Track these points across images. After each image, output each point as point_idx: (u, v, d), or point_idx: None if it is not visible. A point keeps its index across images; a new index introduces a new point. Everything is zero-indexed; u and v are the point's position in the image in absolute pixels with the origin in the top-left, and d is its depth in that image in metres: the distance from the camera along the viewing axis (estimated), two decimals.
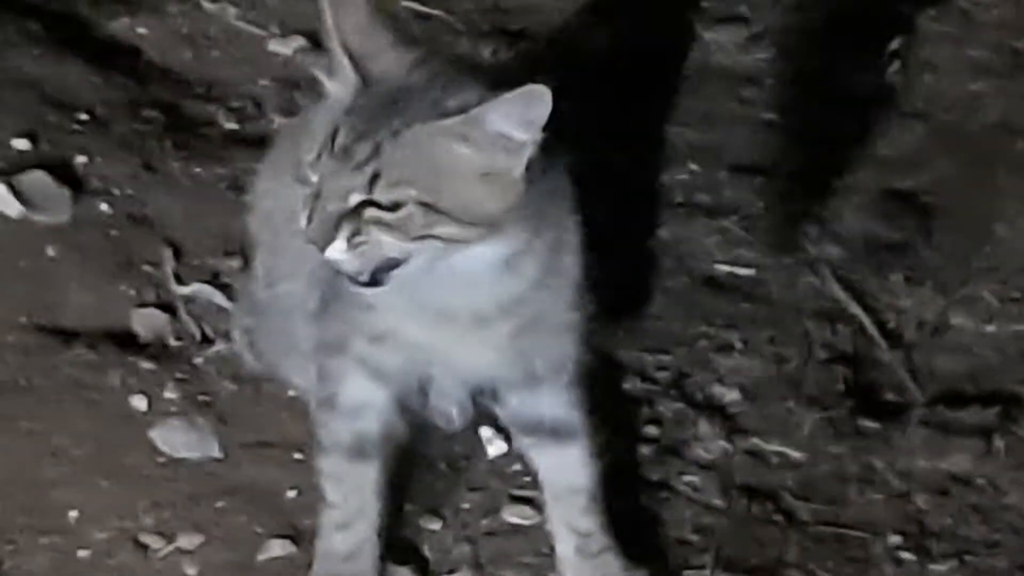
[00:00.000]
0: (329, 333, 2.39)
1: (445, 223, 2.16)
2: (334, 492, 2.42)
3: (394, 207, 2.15)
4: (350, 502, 2.42)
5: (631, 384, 2.74)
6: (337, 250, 2.16)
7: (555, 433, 2.43)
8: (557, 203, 2.27)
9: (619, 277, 2.68)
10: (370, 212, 2.16)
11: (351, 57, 2.18)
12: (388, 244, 2.16)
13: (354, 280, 2.19)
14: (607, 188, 2.87)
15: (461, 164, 2.14)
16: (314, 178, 2.17)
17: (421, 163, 2.14)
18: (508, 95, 2.11)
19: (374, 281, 2.19)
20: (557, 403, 2.42)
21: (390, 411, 2.40)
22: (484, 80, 2.18)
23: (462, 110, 2.13)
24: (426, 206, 2.15)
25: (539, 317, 2.31)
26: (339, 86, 2.20)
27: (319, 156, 2.16)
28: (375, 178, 2.14)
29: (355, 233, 2.16)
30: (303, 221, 2.17)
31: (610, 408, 2.54)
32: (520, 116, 2.12)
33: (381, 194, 2.14)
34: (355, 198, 2.15)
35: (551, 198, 2.25)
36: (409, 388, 2.39)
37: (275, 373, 2.63)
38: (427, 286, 2.25)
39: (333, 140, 2.15)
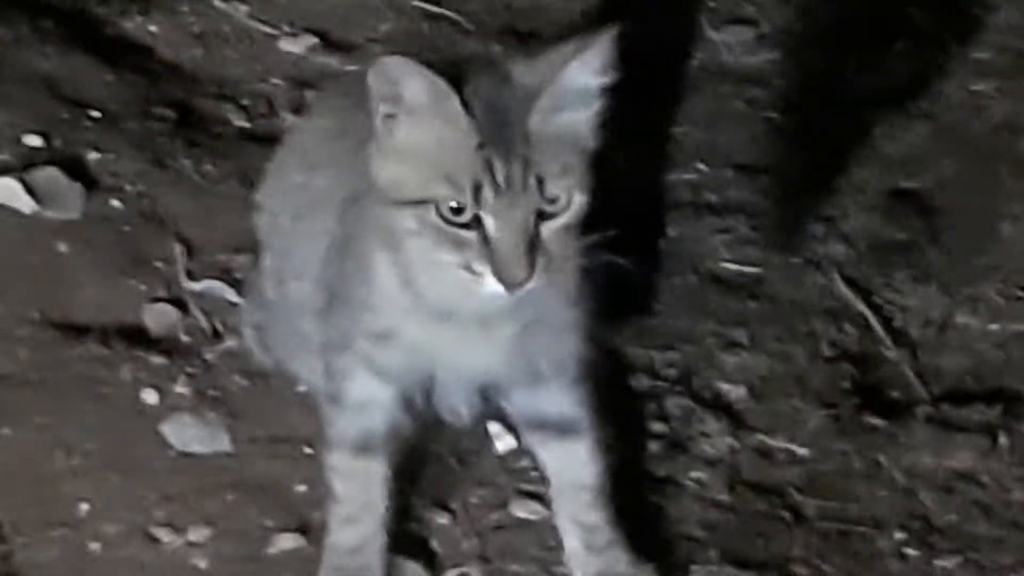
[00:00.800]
0: (334, 331, 2.40)
1: (587, 196, 2.21)
2: (341, 487, 2.44)
3: (565, 207, 2.19)
4: (357, 497, 2.44)
5: (638, 381, 2.75)
6: (536, 283, 2.19)
7: (560, 429, 2.45)
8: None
9: (626, 275, 2.69)
10: (548, 226, 2.19)
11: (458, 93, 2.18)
12: (569, 249, 2.21)
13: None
14: (614, 187, 2.88)
15: (575, 131, 2.20)
16: (464, 223, 2.18)
17: (560, 148, 2.18)
18: (583, 50, 2.18)
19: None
20: (562, 400, 2.43)
21: (396, 408, 2.42)
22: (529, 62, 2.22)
23: (543, 84, 2.18)
24: (583, 189, 2.20)
25: (542, 316, 2.33)
26: (426, 127, 2.20)
27: (477, 199, 2.17)
28: (541, 184, 2.18)
29: (549, 260, 2.19)
30: (475, 271, 2.19)
31: (617, 404, 2.55)
32: (598, 65, 2.19)
33: (552, 192, 2.17)
34: (535, 211, 2.17)
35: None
36: (414, 386, 2.41)
37: (285, 369, 2.64)
38: (431, 287, 2.27)
39: (493, 178, 2.16)
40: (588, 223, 2.25)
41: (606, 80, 2.21)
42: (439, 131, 2.19)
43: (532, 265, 2.18)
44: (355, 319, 2.36)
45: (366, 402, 2.41)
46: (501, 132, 2.17)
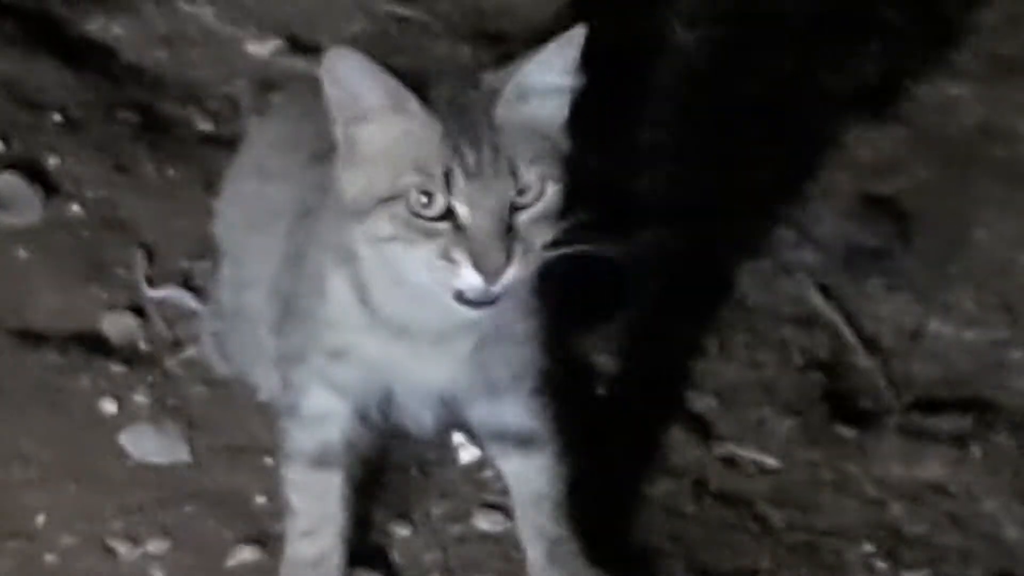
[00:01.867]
0: (289, 345, 2.38)
1: (562, 189, 2.19)
2: (299, 500, 2.42)
3: (538, 197, 2.16)
4: (315, 510, 2.42)
5: (604, 389, 2.73)
6: (514, 273, 2.15)
7: (520, 441, 2.43)
8: None
9: (593, 281, 2.65)
10: (523, 217, 2.16)
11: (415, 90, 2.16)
12: (545, 240, 2.17)
13: (476, 303, 2.17)
14: (582, 190, 2.87)
15: (547, 121, 2.19)
16: (436, 216, 2.15)
17: (528, 136, 2.16)
18: (549, 46, 2.17)
19: (492, 300, 2.18)
20: (520, 412, 2.41)
21: (353, 421, 2.40)
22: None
23: (508, 78, 2.17)
24: (556, 180, 2.17)
25: (500, 329, 2.30)
26: (389, 127, 2.17)
27: (449, 184, 2.14)
28: (513, 169, 2.15)
29: (526, 250, 2.16)
30: (453, 261, 2.15)
31: (581, 414, 2.52)
32: (560, 62, 2.18)
33: (525, 177, 2.14)
34: (509, 198, 2.15)
35: None
36: (371, 399, 2.38)
37: (244, 378, 2.62)
38: (390, 302, 2.25)
39: (463, 163, 2.14)
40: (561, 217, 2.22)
41: (572, 79, 2.19)
42: (402, 128, 2.16)
43: (509, 253, 2.15)
44: (310, 335, 2.34)
45: (322, 416, 2.39)
46: (466, 122, 2.16)
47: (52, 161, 2.93)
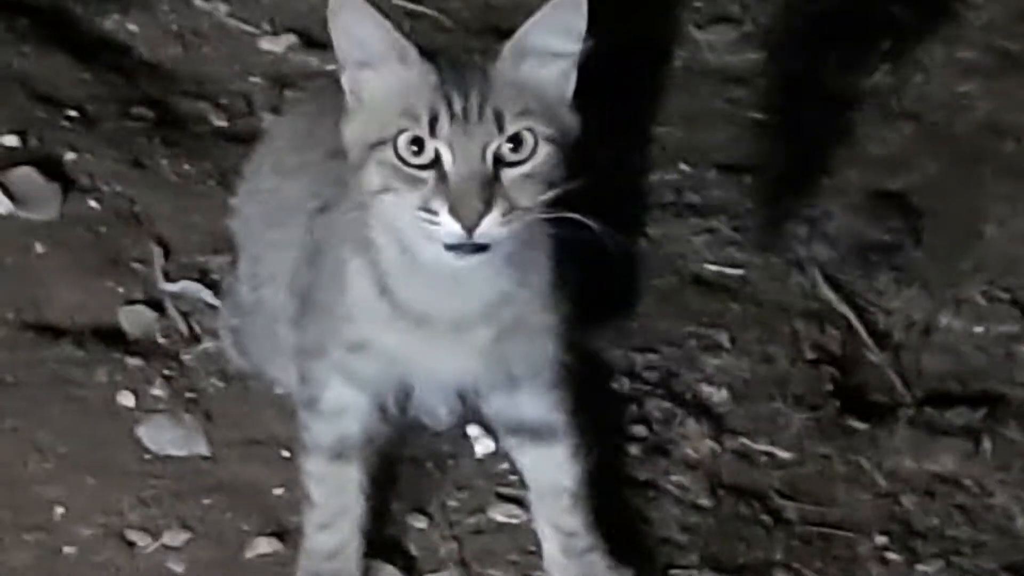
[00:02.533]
0: (308, 339, 2.39)
1: (561, 159, 2.18)
2: (317, 492, 2.43)
3: (529, 156, 2.16)
4: (332, 502, 2.43)
5: (619, 383, 2.73)
6: (492, 222, 2.15)
7: (537, 434, 2.44)
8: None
9: (606, 277, 2.70)
10: (511, 172, 2.16)
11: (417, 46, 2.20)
12: (531, 202, 2.16)
13: (461, 250, 2.17)
14: (595, 186, 2.87)
15: (544, 85, 2.19)
16: (422, 164, 2.16)
17: (521, 94, 2.17)
18: (544, 8, 2.18)
19: (483, 247, 2.18)
20: (538, 404, 2.42)
21: (371, 414, 2.41)
22: None
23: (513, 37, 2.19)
24: (549, 140, 2.17)
25: (519, 320, 2.31)
26: (391, 74, 2.20)
27: (433, 128, 2.15)
28: (499, 117, 2.16)
29: (508, 209, 2.15)
30: (432, 210, 2.15)
31: (596, 408, 2.53)
32: (560, 26, 2.18)
33: (511, 127, 2.14)
34: (491, 148, 2.15)
35: None
36: (390, 392, 2.40)
37: (261, 372, 2.63)
38: (408, 291, 2.25)
39: (450, 107, 2.15)
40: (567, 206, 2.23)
41: (573, 45, 2.20)
42: (399, 76, 2.19)
43: (488, 203, 2.15)
44: (330, 328, 2.35)
45: (341, 409, 2.40)
46: (460, 73, 2.18)
47: (69, 156, 2.94)
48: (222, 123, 3.07)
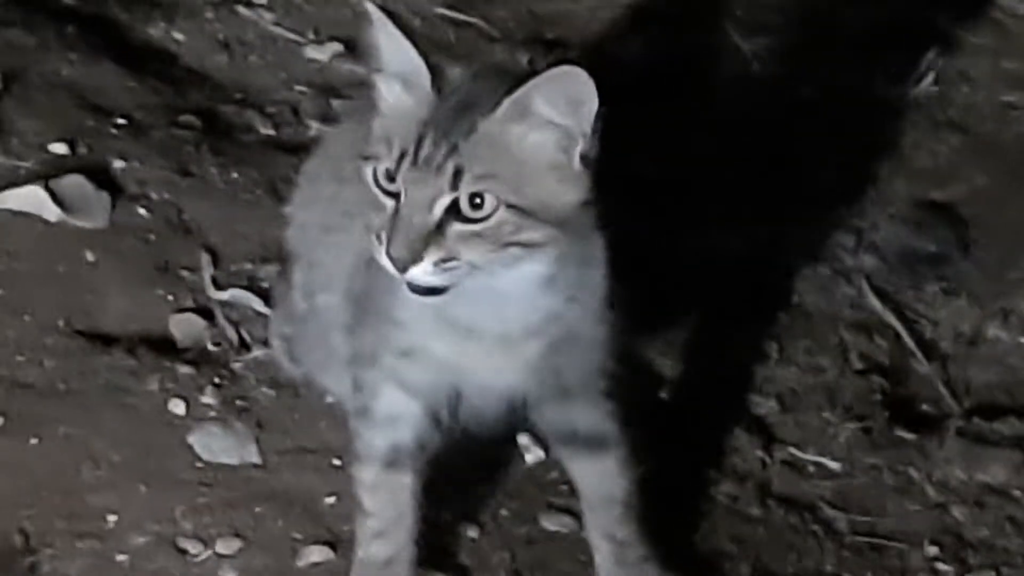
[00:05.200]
0: (362, 346, 2.39)
1: (529, 225, 2.16)
2: (370, 501, 2.42)
3: (484, 217, 2.15)
4: (386, 511, 2.42)
5: (668, 394, 2.73)
6: (422, 271, 2.15)
7: (589, 444, 2.43)
8: (582, 216, 2.24)
9: (655, 288, 2.69)
10: (458, 228, 2.15)
11: (429, 67, 2.18)
12: (478, 258, 2.16)
13: (415, 289, 2.18)
14: (640, 198, 2.87)
15: (530, 153, 2.16)
16: (390, 192, 2.16)
17: (497, 156, 2.15)
18: (545, 74, 2.13)
19: (435, 291, 2.19)
20: (590, 415, 2.42)
21: (424, 422, 2.40)
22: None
23: (509, 96, 2.15)
24: (512, 208, 2.15)
25: (569, 335, 2.31)
26: (397, 97, 2.20)
27: (398, 166, 2.16)
28: (458, 175, 2.14)
29: (445, 258, 2.15)
30: (379, 240, 2.16)
31: (647, 418, 2.52)
32: (561, 97, 2.13)
33: (466, 188, 2.13)
34: (441, 202, 2.14)
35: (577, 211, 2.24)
36: (441, 400, 2.39)
37: (313, 381, 2.63)
38: (456, 304, 2.25)
39: (417, 151, 2.15)
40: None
41: (574, 117, 2.15)
42: (403, 98, 2.19)
43: (419, 253, 2.15)
44: (382, 334, 2.35)
45: (394, 417, 2.39)
46: (451, 117, 2.16)
47: (117, 165, 2.94)
48: (269, 131, 3.07)
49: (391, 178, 2.18)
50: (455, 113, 2.16)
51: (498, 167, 2.15)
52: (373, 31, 2.19)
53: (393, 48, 2.19)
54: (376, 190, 2.19)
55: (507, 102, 2.15)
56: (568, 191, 2.18)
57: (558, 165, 2.17)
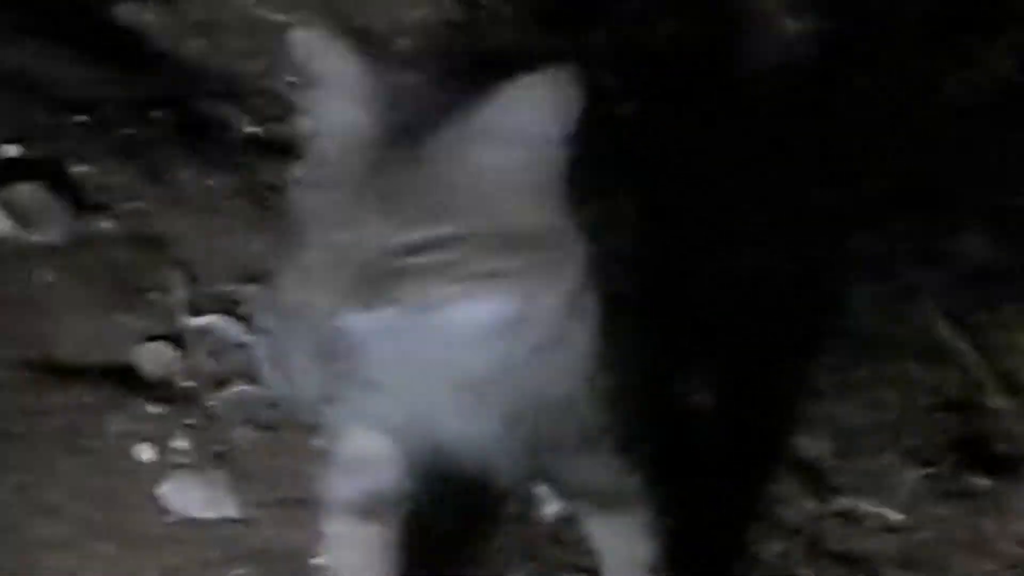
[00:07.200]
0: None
1: (496, 255, 1.94)
2: (335, 556, 2.21)
3: (439, 246, 1.93)
4: (353, 565, 2.21)
5: (704, 435, 2.54)
6: (372, 318, 1.95)
7: (604, 502, 2.21)
8: (567, 254, 2.00)
9: (683, 316, 2.47)
10: (414, 262, 1.94)
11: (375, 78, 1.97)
12: (435, 295, 1.94)
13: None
14: (663, 209, 2.67)
15: (490, 173, 1.94)
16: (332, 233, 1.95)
17: (456, 183, 1.93)
18: (516, 84, 1.91)
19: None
20: (600, 471, 2.18)
21: (399, 465, 2.18)
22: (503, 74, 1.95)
23: (472, 110, 1.93)
24: (473, 237, 1.93)
25: (545, 389, 2.07)
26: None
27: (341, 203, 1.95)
28: (412, 213, 1.93)
29: (397, 298, 1.94)
30: (321, 281, 1.95)
31: (677, 467, 2.29)
32: (536, 107, 1.92)
33: (423, 231, 1.92)
34: (393, 243, 1.93)
35: (559, 245, 1.99)
36: (417, 442, 2.16)
37: (302, 401, 2.39)
38: (408, 338, 2.02)
39: (363, 177, 1.95)
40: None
41: (553, 131, 1.92)
42: (351, 118, 2.00)
43: (369, 300, 1.98)
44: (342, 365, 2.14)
45: (362, 459, 2.18)
46: (402, 139, 1.96)
47: (77, 169, 2.79)
48: (252, 128, 2.91)
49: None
50: (405, 135, 1.94)
51: (456, 196, 1.93)
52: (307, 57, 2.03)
53: (332, 68, 2.01)
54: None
55: (469, 119, 1.92)
56: (538, 213, 1.95)
57: (527, 185, 1.95)
